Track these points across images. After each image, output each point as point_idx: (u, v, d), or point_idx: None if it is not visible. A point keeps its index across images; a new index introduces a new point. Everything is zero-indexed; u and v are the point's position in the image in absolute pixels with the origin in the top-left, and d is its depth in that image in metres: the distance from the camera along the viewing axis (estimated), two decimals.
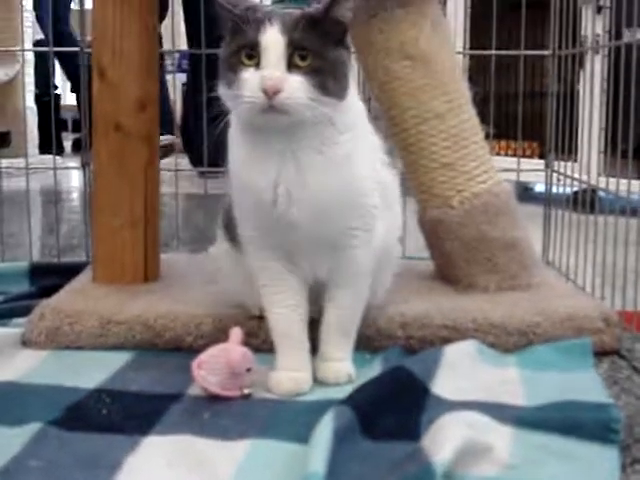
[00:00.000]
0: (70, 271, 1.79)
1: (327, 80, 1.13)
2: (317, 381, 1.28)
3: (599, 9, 2.98)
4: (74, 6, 5.26)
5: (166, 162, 1.90)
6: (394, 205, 1.39)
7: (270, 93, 1.10)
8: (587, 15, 2.94)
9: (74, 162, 2.12)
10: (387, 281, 1.44)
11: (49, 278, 1.82)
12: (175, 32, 2.40)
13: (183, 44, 4.36)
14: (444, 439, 1.01)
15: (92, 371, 1.32)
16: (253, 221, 1.25)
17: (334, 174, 1.19)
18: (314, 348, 1.30)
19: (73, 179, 4.00)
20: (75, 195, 3.57)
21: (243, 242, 1.30)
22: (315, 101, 1.12)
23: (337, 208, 1.21)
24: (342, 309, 1.29)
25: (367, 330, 1.42)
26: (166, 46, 3.42)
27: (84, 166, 1.96)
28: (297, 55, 1.12)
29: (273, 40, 1.12)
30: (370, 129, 1.31)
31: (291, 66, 1.12)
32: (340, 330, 1.30)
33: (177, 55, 5.41)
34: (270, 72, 1.11)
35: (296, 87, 1.11)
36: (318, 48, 1.13)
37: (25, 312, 1.52)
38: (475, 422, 1.08)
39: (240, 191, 1.25)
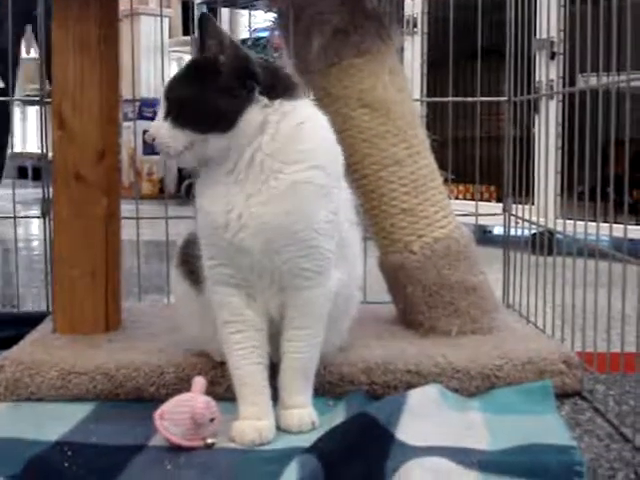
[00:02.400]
0: (30, 321, 1.77)
1: (189, 119, 1.22)
2: (280, 429, 1.27)
3: (553, 55, 3.04)
4: (34, 54, 5.26)
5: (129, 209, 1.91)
6: (354, 260, 1.41)
7: (149, 142, 1.24)
8: (541, 61, 3.01)
9: (35, 211, 2.10)
10: (346, 327, 1.45)
11: (8, 329, 1.79)
12: (135, 80, 2.42)
13: (144, 92, 4.37)
14: None
15: (53, 423, 1.30)
16: (212, 247, 1.28)
17: (278, 204, 1.22)
18: (275, 394, 1.30)
19: (34, 228, 3.98)
20: (36, 244, 3.55)
21: (205, 276, 1.31)
22: (192, 142, 1.22)
23: (283, 239, 1.23)
24: (298, 351, 1.29)
25: (330, 376, 1.43)
26: (126, 94, 3.43)
27: (44, 215, 1.95)
28: (171, 104, 1.23)
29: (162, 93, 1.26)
30: (344, 185, 1.34)
31: (168, 115, 1.23)
32: (298, 373, 1.30)
33: (137, 103, 5.41)
34: (153, 123, 1.24)
35: (164, 133, 1.22)
36: (183, 94, 1.23)
37: None
38: (440, 468, 1.08)
39: (200, 217, 1.29)
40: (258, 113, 1.22)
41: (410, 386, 1.41)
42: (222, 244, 1.25)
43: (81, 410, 1.37)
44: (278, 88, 1.25)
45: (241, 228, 1.23)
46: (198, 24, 1.22)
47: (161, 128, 1.22)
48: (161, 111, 1.24)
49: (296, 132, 1.24)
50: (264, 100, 1.23)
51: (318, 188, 1.24)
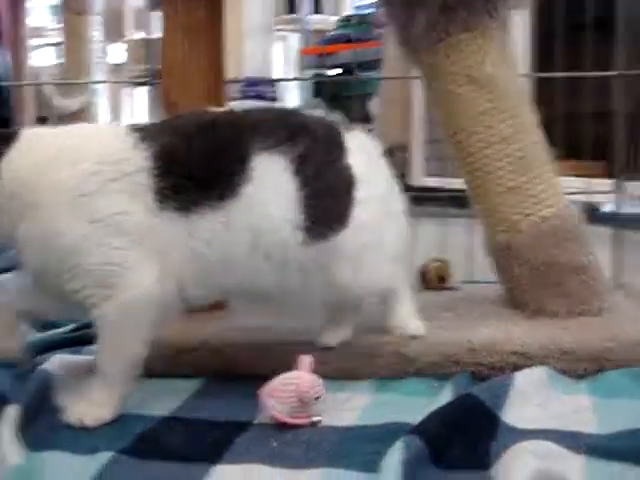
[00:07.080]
0: None
1: None
2: (387, 404, 1.27)
3: None
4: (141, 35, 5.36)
5: None
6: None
7: None
8: None
9: None
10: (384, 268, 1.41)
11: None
12: (240, 60, 2.44)
13: (248, 71, 4.40)
14: (515, 469, 1.00)
15: (163, 399, 1.34)
16: None
17: None
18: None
19: None
20: None
21: None
22: None
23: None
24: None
25: (434, 356, 1.41)
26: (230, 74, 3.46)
27: None
28: None
29: None
30: None
31: None
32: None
33: (242, 83, 5.46)
34: None
35: None
36: None
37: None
38: (548, 451, 1.07)
39: None
40: None
41: (516, 368, 1.39)
42: None
43: (190, 386, 1.40)
44: None
45: None
46: None
47: None
48: None
49: None
50: None
51: None
